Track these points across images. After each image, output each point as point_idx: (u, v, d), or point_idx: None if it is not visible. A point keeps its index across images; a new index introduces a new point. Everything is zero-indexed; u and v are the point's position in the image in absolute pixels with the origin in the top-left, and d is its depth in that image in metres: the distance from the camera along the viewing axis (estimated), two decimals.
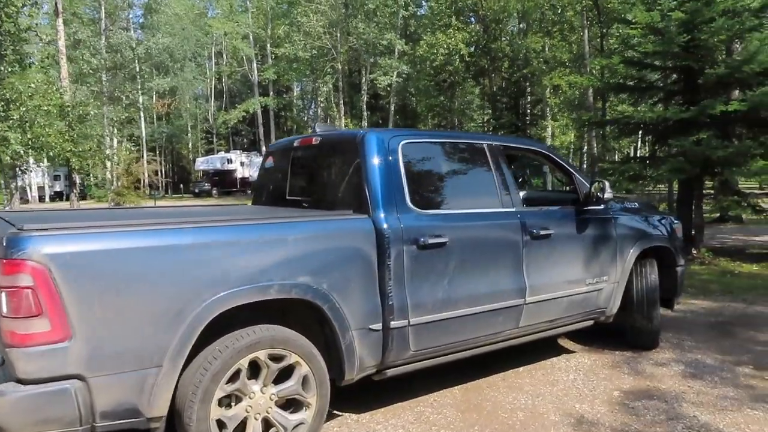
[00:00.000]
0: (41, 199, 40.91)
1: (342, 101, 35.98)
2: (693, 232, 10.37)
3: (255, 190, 4.87)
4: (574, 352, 5.25)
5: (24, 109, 17.18)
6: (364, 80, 33.26)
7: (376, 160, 3.49)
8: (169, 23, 38.36)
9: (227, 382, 2.87)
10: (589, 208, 4.56)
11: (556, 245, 4.29)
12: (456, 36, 28.02)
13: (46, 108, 17.47)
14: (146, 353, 2.64)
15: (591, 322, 4.84)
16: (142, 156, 37.15)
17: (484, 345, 4.00)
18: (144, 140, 40.95)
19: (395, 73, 32.17)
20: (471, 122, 36.90)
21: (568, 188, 4.73)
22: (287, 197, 4.29)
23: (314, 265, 3.09)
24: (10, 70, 17.40)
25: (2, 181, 19.17)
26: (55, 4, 19.32)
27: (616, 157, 28.28)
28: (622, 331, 5.25)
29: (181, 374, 2.78)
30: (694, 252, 10.12)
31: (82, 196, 42.21)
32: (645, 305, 4.95)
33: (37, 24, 17.97)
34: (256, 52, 43.12)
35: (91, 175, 35.30)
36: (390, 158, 3.55)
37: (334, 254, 3.18)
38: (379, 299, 3.37)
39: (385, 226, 3.37)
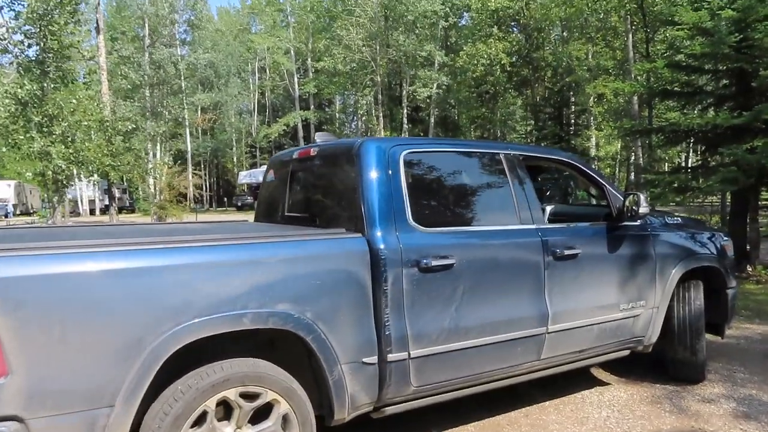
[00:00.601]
0: (92, 212, 42.17)
1: (382, 114, 35.85)
2: (748, 248, 9.58)
3: (257, 206, 4.58)
4: (609, 384, 4.72)
5: (66, 124, 17.62)
6: (403, 92, 33.05)
7: (373, 173, 3.13)
8: (212, 39, 39.14)
9: (192, 426, 2.53)
10: (624, 224, 4.06)
11: (585, 266, 3.82)
12: (497, 46, 27.50)
13: (86, 123, 17.84)
14: (96, 391, 2.33)
15: (627, 352, 4.31)
16: (187, 170, 37.91)
17: (500, 379, 3.56)
18: (189, 155, 41.78)
19: (435, 84, 31.84)
20: (513, 133, 36.15)
21: (602, 203, 4.25)
22: (286, 213, 3.97)
23: (297, 290, 2.74)
24: (53, 86, 17.91)
25: (46, 195, 19.73)
26: (96, 21, 19.82)
27: (666, 167, 27.06)
28: (664, 361, 4.70)
29: (143, 415, 2.46)
30: (750, 269, 9.33)
31: (131, 210, 43.40)
32: (688, 334, 4.40)
33: (79, 41, 18.39)
34: (297, 66, 43.58)
35: (139, 189, 36.19)
36: (390, 170, 3.17)
37: (320, 278, 2.81)
38: (375, 329, 2.98)
39: (381, 246, 2.99)
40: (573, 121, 28.49)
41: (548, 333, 3.62)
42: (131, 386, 2.36)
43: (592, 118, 28.33)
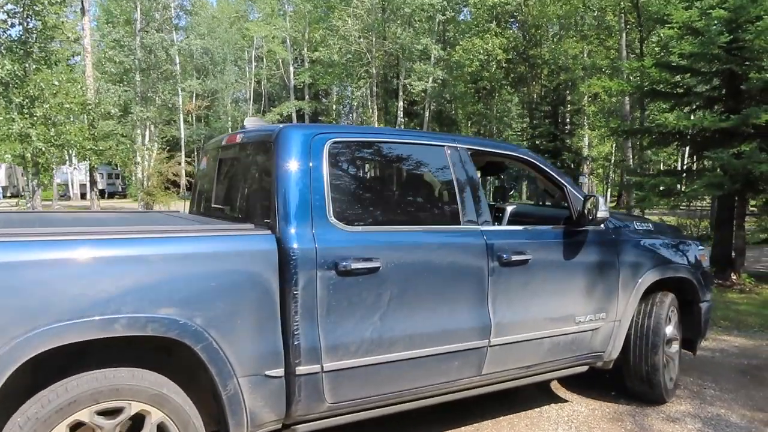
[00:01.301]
0: (83, 196, 41.69)
1: (376, 106, 35.40)
2: (733, 255, 9.28)
3: (191, 196, 4.22)
4: (567, 401, 4.39)
5: (47, 106, 17.20)
6: (399, 85, 32.61)
7: (290, 163, 2.78)
8: (208, 26, 38.59)
9: None
10: (583, 228, 3.72)
11: (536, 273, 3.48)
12: (493, 41, 27.05)
13: (68, 105, 17.42)
14: None
15: (585, 368, 3.98)
16: (181, 157, 37.41)
17: (434, 395, 3.22)
18: (183, 141, 41.28)
19: (430, 78, 31.40)
20: (509, 130, 35.74)
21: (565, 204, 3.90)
22: (212, 205, 3.62)
23: (185, 293, 2.40)
24: (35, 67, 17.47)
25: (27, 179, 19.33)
26: (82, 2, 19.35)
27: (660, 169, 26.76)
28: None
29: None
30: (734, 277, 9.02)
31: (123, 195, 42.90)
32: (650, 350, 4.07)
33: (63, 22, 17.96)
34: (293, 56, 43.07)
35: (132, 174, 35.74)
36: (311, 161, 2.82)
37: (215, 280, 2.47)
38: (281, 338, 2.64)
39: (293, 245, 2.65)
40: (568, 119, 28.11)
41: (491, 346, 3.28)
42: None
43: (585, 117, 27.97)
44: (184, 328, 2.36)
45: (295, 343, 2.65)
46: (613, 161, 31.83)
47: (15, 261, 2.12)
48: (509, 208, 4.48)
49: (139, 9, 27.12)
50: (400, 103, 33.35)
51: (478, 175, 3.42)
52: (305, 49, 41.08)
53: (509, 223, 4.37)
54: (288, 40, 42.22)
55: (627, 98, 20.26)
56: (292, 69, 42.88)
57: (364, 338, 2.83)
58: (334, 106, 50.08)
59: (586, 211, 3.62)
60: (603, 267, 3.82)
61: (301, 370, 2.67)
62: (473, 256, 3.21)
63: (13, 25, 18.09)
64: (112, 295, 2.24)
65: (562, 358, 3.71)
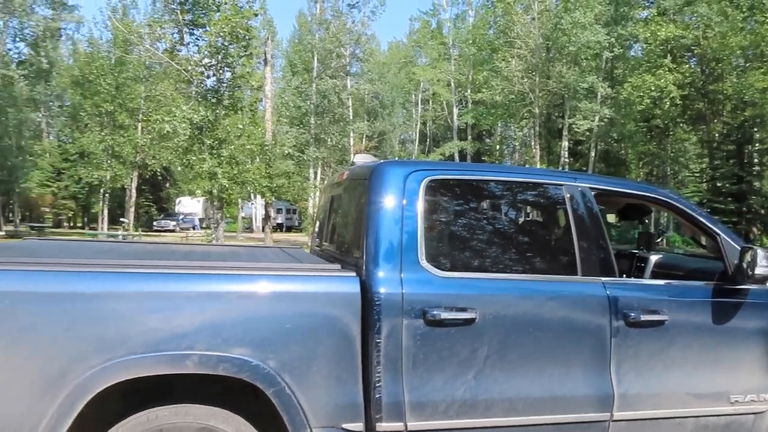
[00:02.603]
0: (263, 229, 45.75)
1: (539, 146, 34.37)
2: None
3: (312, 233, 4.27)
4: None
5: (232, 147, 19.22)
6: (563, 125, 31.40)
7: (381, 201, 2.64)
8: (378, 71, 40.78)
9: None
10: (741, 287, 3.07)
11: (675, 338, 2.92)
12: (666, 77, 24.92)
13: (249, 147, 19.28)
14: (14, 424, 2.12)
15: None
16: None
17: None
18: None
19: (597, 117, 29.81)
20: (685, 171, 32.44)
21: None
22: (322, 243, 3.60)
23: (258, 333, 2.34)
24: (224, 113, 19.68)
25: (212, 213, 21.68)
26: (264, 54, 21.50)
27: None
28: None
29: None
30: None
31: (300, 229, 46.22)
32: None
33: (249, 72, 20.07)
34: (456, 98, 43.79)
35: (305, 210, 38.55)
36: (404, 199, 2.66)
37: (291, 322, 2.38)
38: (361, 390, 2.47)
39: (378, 289, 2.48)
40: (756, 159, 24.73)
41: (614, 421, 2.79)
42: (51, 425, 2.12)
43: None
44: (256, 370, 2.29)
45: (377, 396, 2.46)
46: None
47: (94, 292, 2.22)
48: (653, 258, 3.89)
49: (316, 58, 29.62)
50: (565, 143, 32.04)
51: (602, 218, 2.97)
52: (468, 90, 41.59)
53: (653, 276, 3.79)
54: (452, 83, 43.15)
55: None
56: (455, 110, 43.62)
57: (455, 398, 2.55)
58: (497, 146, 49.70)
59: (744, 266, 2.98)
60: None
61: (382, 426, 2.46)
62: (591, 313, 2.78)
63: (208, 77, 20.71)
64: (186, 332, 2.25)
65: None
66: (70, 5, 29.63)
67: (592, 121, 29.92)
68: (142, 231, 32.61)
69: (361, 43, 33.50)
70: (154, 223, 41.84)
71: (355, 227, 2.87)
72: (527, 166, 35.17)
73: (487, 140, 50.13)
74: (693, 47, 26.18)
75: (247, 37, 19.93)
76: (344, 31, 31.92)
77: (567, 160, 32.63)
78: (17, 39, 29.44)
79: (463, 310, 2.56)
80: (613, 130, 32.18)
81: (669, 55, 26.18)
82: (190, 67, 20.31)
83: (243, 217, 47.53)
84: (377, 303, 2.46)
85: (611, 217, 4.30)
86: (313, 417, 2.37)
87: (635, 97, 25.81)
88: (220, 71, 20.36)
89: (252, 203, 42.45)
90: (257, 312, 2.37)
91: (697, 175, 30.40)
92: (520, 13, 30.06)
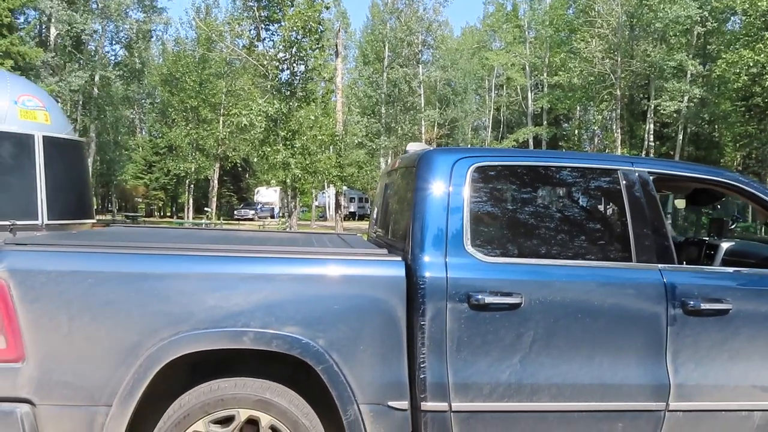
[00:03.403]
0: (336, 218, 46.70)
1: (621, 130, 32.93)
2: None
3: (370, 220, 4.38)
4: None
5: (305, 138, 19.73)
6: (648, 107, 29.88)
7: (428, 187, 2.69)
8: (451, 58, 40.38)
9: None
10: None
11: (741, 327, 2.79)
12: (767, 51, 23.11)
13: (321, 137, 19.72)
14: (96, 389, 2.36)
15: None
16: None
17: None
18: None
19: (686, 97, 28.15)
20: None
21: None
22: (377, 229, 3.70)
23: (310, 314, 2.46)
24: (297, 105, 20.20)
25: (286, 202, 22.37)
26: (336, 46, 21.85)
27: None
28: None
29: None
30: None
31: (361, 217, 46.89)
32: None
33: (321, 64, 20.48)
34: (532, 83, 42.68)
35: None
36: (451, 185, 2.70)
37: (340, 303, 2.49)
38: (406, 370, 2.54)
39: (423, 273, 2.54)
40: None
41: (669, 411, 2.72)
42: (127, 390, 2.35)
43: None
44: (306, 347, 2.42)
45: (421, 376, 2.53)
46: None
47: (163, 272, 2.43)
48: (724, 246, 3.70)
49: (387, 47, 29.81)
50: (650, 126, 30.49)
51: (660, 203, 2.87)
52: (545, 74, 40.41)
53: (723, 263, 3.61)
54: (527, 67, 42.04)
55: None
56: (530, 95, 42.53)
57: (500, 381, 2.58)
58: (575, 131, 48.06)
59: None
60: None
61: (427, 406, 2.53)
62: (646, 300, 2.71)
63: (282, 71, 21.32)
64: (243, 310, 2.41)
65: None
66: (160, 7, 31.29)
67: (680, 101, 28.32)
68: (224, 220, 34.14)
69: (432, 30, 33.26)
70: (235, 212, 43.60)
71: (403, 213, 2.94)
72: (606, 152, 33.81)
73: (565, 125, 48.54)
74: None
75: (320, 30, 20.32)
76: (415, 19, 31.81)
77: (652, 143, 31.09)
78: (114, 42, 31.46)
79: (508, 294, 2.58)
80: (704, 110, 30.34)
81: None
82: (266, 62, 21.02)
83: (317, 206, 48.63)
84: (422, 287, 2.53)
85: (680, 203, 4.11)
86: (360, 393, 2.48)
87: (731, 74, 24.08)
88: (294, 64, 20.91)
89: (325, 193, 43.31)
90: (307, 293, 2.49)
91: None
92: None
